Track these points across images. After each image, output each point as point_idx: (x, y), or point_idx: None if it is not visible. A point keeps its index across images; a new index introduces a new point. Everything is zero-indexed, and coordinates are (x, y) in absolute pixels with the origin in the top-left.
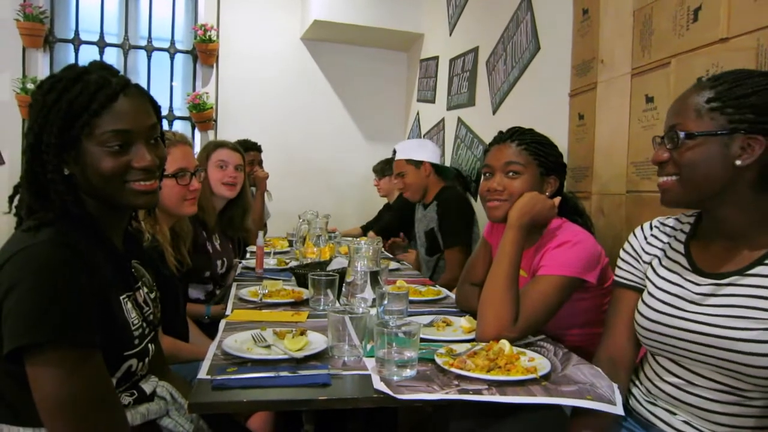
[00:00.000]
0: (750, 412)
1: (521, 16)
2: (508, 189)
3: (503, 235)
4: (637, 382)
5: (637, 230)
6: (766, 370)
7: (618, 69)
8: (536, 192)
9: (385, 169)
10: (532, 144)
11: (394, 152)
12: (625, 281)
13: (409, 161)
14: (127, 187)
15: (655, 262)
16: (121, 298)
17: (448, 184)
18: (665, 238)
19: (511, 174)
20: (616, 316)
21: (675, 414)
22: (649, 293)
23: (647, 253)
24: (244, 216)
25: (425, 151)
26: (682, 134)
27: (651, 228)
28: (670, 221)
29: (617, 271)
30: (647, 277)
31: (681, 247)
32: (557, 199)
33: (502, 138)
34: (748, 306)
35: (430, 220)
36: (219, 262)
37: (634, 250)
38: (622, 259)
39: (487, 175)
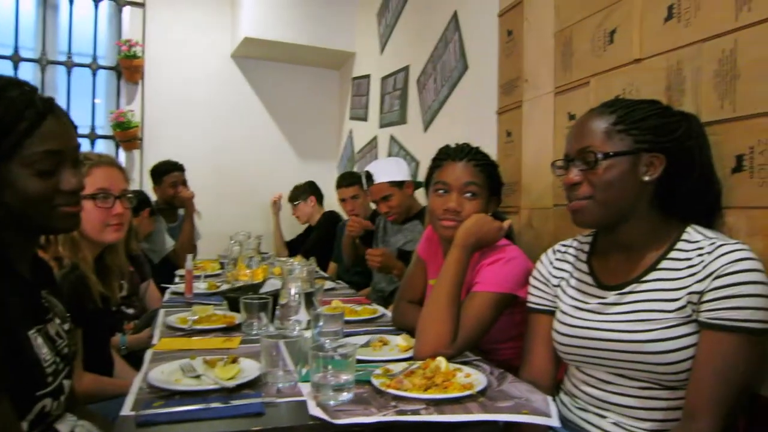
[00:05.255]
0: (669, 405)
1: (449, 36)
2: (466, 210)
3: (448, 253)
4: (566, 391)
5: (543, 257)
6: (673, 366)
7: (542, 88)
8: (483, 214)
9: (298, 195)
10: (487, 165)
11: (369, 176)
12: (538, 306)
13: (392, 183)
14: (55, 212)
15: (564, 284)
16: (29, 333)
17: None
18: (570, 259)
19: (468, 195)
20: (533, 339)
21: (605, 417)
22: (562, 311)
23: (555, 276)
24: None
25: (403, 170)
26: (600, 155)
27: (554, 253)
28: (572, 243)
29: (530, 298)
30: (558, 298)
31: (584, 266)
32: (507, 222)
33: (457, 155)
34: (647, 309)
35: (410, 240)
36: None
37: (543, 276)
38: (533, 286)
39: (441, 192)
